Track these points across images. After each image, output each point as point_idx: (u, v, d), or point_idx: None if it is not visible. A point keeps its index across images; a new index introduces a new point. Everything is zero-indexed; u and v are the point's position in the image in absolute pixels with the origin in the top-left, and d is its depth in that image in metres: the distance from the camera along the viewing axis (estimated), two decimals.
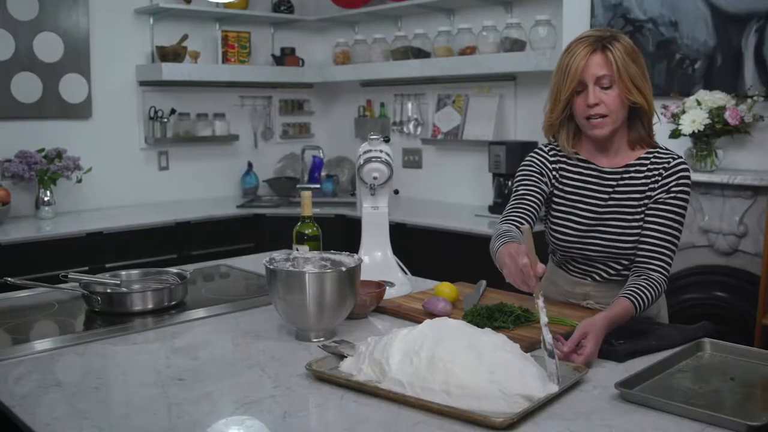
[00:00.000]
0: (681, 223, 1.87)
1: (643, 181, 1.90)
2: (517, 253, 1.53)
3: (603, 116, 1.84)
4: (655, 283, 1.79)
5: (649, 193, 1.88)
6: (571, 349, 1.55)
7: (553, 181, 1.99)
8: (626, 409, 1.35)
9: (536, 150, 2.04)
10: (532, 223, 1.90)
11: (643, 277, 1.81)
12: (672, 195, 1.86)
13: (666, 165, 1.88)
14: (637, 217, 1.89)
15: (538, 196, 1.95)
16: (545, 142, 2.06)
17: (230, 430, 1.31)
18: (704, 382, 1.51)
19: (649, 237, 1.85)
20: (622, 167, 1.93)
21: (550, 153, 2.01)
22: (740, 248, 2.99)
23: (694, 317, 2.28)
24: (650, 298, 1.76)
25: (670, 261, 1.85)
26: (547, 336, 1.47)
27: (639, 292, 1.75)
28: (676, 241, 1.86)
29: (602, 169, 1.94)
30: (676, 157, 1.90)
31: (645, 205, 1.88)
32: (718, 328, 1.80)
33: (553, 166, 1.99)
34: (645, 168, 1.90)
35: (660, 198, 1.87)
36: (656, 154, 1.91)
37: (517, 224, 1.87)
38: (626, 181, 1.92)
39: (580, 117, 1.88)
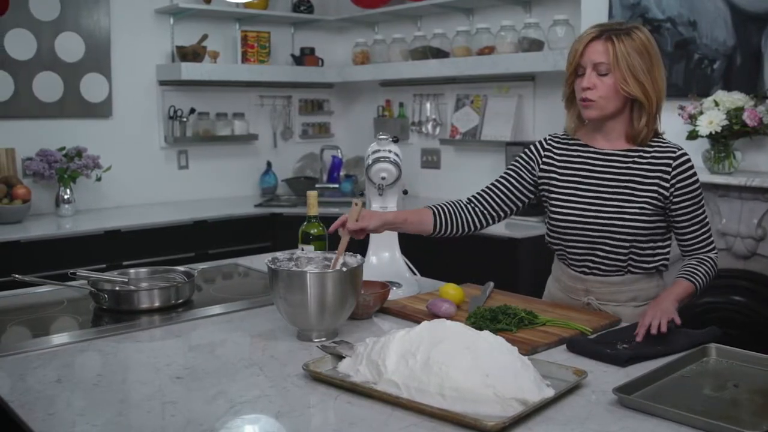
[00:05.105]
0: (704, 205, 1.96)
1: (647, 166, 1.93)
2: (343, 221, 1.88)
3: (592, 101, 1.90)
4: (708, 261, 1.93)
5: (659, 190, 1.90)
6: (645, 327, 1.70)
7: (544, 166, 2.05)
8: (623, 415, 1.33)
9: (541, 139, 2.13)
10: (488, 211, 2.07)
11: (695, 260, 1.94)
12: (690, 189, 1.92)
13: (671, 155, 1.92)
14: (639, 200, 1.91)
15: (511, 186, 2.07)
16: None
17: (245, 427, 1.31)
18: (707, 389, 1.48)
19: (688, 235, 1.95)
20: (621, 149, 1.97)
21: (547, 139, 2.09)
22: (758, 252, 2.93)
23: (712, 322, 2.23)
24: (705, 274, 1.91)
25: (713, 240, 1.98)
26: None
27: (694, 271, 1.90)
28: (708, 222, 1.97)
29: (600, 150, 1.99)
30: (676, 149, 1.93)
31: (651, 193, 1.90)
32: (730, 333, 1.77)
33: (547, 153, 2.06)
34: (648, 155, 1.94)
35: (680, 199, 1.91)
36: (659, 144, 1.95)
37: (470, 203, 2.08)
38: (628, 164, 1.95)
39: (576, 97, 1.96)
